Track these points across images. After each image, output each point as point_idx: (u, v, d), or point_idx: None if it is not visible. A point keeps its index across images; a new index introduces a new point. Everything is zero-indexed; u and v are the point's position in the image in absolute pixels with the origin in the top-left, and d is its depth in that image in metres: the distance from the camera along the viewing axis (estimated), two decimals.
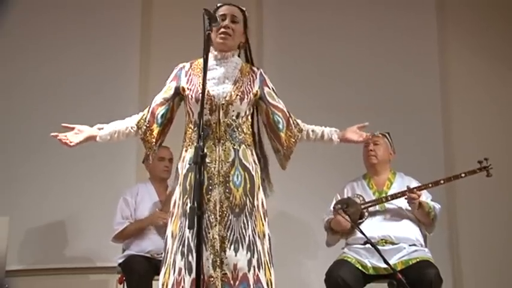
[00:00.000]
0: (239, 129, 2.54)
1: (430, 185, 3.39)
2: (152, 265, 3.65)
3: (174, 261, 2.42)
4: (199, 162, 2.15)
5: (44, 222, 4.45)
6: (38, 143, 4.53)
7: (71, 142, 2.60)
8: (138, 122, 2.66)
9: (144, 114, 2.66)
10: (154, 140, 2.62)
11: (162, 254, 3.67)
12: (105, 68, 4.68)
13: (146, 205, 3.84)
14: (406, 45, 4.83)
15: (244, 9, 2.66)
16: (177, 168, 2.58)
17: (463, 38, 4.91)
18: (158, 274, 3.62)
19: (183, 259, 2.39)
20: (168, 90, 2.64)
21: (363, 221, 3.41)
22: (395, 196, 3.40)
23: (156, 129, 2.61)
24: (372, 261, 3.25)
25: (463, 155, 4.65)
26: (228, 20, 2.56)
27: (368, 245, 3.22)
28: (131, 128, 2.67)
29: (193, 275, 2.29)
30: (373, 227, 3.37)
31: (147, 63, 4.84)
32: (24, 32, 4.69)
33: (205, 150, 2.38)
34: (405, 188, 3.43)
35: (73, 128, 2.65)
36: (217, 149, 2.48)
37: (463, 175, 3.40)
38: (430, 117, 4.75)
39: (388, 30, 4.86)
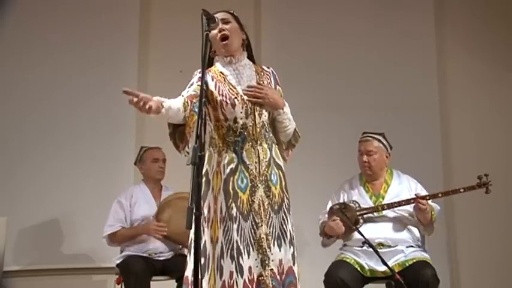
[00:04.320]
0: (269, 129, 2.60)
1: (427, 197, 3.33)
2: (150, 265, 3.65)
3: (221, 265, 2.41)
4: (197, 162, 2.15)
5: (41, 223, 4.45)
6: (36, 143, 4.54)
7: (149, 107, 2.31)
8: (183, 104, 2.47)
9: (184, 100, 2.49)
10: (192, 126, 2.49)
11: (159, 253, 3.72)
12: (103, 68, 4.68)
13: (141, 207, 3.83)
14: (404, 45, 4.84)
15: (231, 11, 2.66)
16: (206, 172, 2.53)
17: (460, 38, 4.92)
18: (156, 274, 3.68)
19: (234, 262, 2.40)
20: (198, 89, 2.47)
21: (358, 228, 3.38)
22: (391, 205, 3.36)
23: (194, 117, 2.47)
24: (369, 264, 3.25)
25: (461, 154, 4.67)
26: (220, 24, 2.56)
27: (365, 247, 3.21)
28: (179, 108, 2.45)
29: (244, 276, 2.37)
30: (369, 231, 3.32)
31: (146, 64, 4.85)
32: (23, 33, 4.69)
33: (239, 155, 2.47)
34: (402, 191, 3.44)
35: (137, 95, 2.33)
36: (256, 150, 2.52)
37: (462, 190, 3.37)
38: (428, 116, 4.75)
39: (386, 30, 4.87)
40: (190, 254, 2.46)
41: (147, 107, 2.29)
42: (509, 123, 4.79)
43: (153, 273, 3.66)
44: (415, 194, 3.32)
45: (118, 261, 3.74)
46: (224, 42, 2.57)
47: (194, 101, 2.50)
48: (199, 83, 2.51)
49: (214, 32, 2.54)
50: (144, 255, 3.70)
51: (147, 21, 4.92)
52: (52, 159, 4.53)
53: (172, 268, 3.65)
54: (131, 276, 3.52)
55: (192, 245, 2.42)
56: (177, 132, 2.52)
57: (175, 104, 2.44)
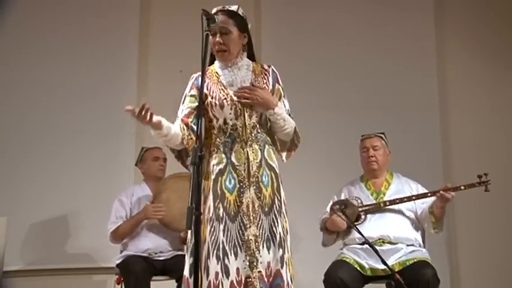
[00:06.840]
0: (262, 129, 2.58)
1: (428, 194, 3.36)
2: (150, 265, 3.65)
3: (207, 265, 2.41)
4: (197, 162, 2.15)
5: (41, 223, 4.45)
6: (36, 143, 4.55)
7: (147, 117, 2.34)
8: (181, 130, 2.53)
9: (180, 126, 2.54)
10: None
11: (159, 253, 3.72)
12: (103, 68, 4.69)
13: (142, 205, 3.81)
14: (404, 45, 4.84)
15: (233, 10, 2.58)
16: None
17: (460, 38, 4.92)
18: (156, 274, 3.67)
19: (219, 263, 2.40)
20: (192, 100, 2.58)
21: (359, 224, 3.39)
22: (393, 202, 3.39)
23: (192, 140, 2.52)
24: (369, 263, 3.25)
25: (461, 155, 4.67)
26: (217, 36, 2.53)
27: (366, 246, 3.21)
28: (177, 132, 2.51)
29: (231, 277, 2.37)
30: (371, 226, 3.36)
31: (146, 64, 4.85)
32: (23, 33, 4.69)
33: (228, 155, 2.46)
34: (403, 190, 3.46)
35: (136, 112, 2.33)
36: (246, 151, 2.51)
37: (462, 187, 3.38)
38: (428, 117, 4.75)
39: (386, 30, 4.87)
40: (188, 253, 2.46)
41: (148, 114, 2.32)
42: (509, 123, 4.79)
43: (153, 273, 3.66)
44: (445, 185, 3.28)
45: (118, 261, 3.74)
46: (220, 54, 2.57)
47: (190, 119, 2.55)
48: (192, 92, 2.61)
49: (212, 40, 2.51)
50: (144, 255, 3.70)
51: (147, 21, 4.92)
52: (52, 159, 4.53)
53: (172, 268, 3.65)
54: (131, 276, 3.52)
55: (190, 245, 2.43)
56: (183, 151, 2.58)
57: (174, 127, 2.49)
